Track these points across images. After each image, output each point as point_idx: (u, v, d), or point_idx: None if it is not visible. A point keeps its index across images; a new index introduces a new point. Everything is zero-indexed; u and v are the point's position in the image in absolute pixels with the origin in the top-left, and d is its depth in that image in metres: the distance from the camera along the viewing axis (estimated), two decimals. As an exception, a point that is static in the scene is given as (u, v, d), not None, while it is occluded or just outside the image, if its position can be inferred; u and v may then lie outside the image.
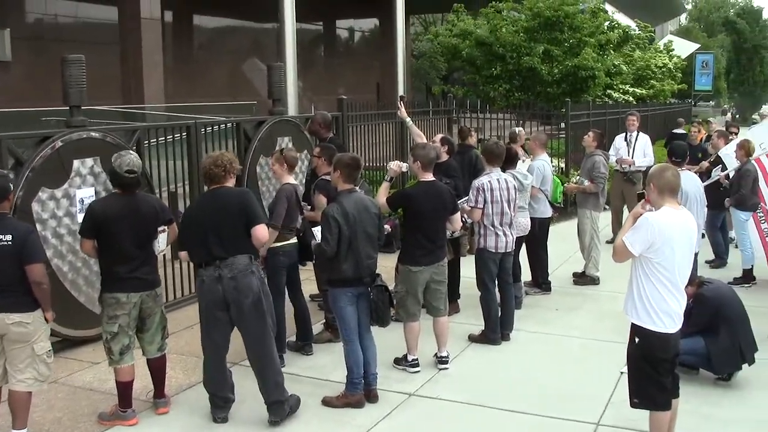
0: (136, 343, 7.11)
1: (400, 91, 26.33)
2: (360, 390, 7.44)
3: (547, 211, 11.17)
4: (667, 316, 5.87)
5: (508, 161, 10.00)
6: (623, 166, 14.66)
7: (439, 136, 10.65)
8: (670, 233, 5.78)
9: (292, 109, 21.74)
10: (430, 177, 8.22)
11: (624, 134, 15.17)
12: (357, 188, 7.58)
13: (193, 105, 24.17)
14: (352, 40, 43.29)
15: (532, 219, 10.73)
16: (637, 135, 15.05)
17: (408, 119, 11.94)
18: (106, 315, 6.86)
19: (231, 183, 6.97)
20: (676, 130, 22.69)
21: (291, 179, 8.56)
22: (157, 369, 7.28)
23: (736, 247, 12.65)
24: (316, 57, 39.01)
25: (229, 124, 11.75)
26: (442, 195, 8.20)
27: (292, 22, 22.86)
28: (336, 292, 7.33)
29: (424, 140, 10.87)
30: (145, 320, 7.04)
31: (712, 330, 7.85)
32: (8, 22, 22.67)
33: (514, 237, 9.37)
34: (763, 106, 76.05)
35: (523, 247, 10.90)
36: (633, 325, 6.00)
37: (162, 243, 7.13)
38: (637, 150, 14.82)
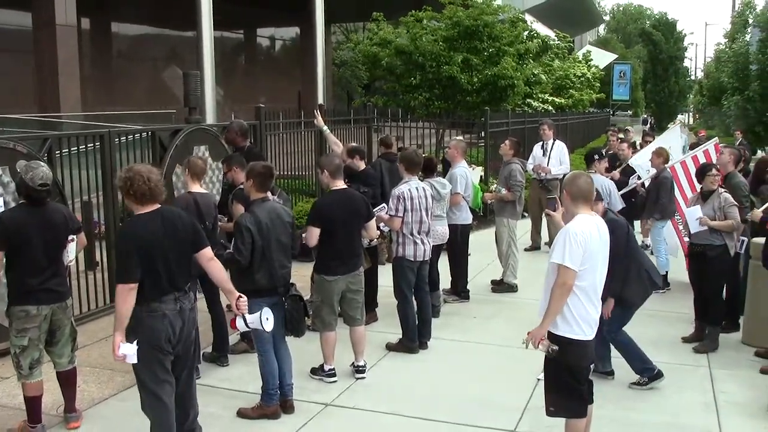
0: (45, 358, 6.93)
1: (320, 100, 26.23)
2: (276, 401, 7.38)
3: (468, 218, 11.22)
4: (586, 323, 5.91)
5: (427, 170, 10.03)
6: (540, 174, 14.83)
7: (344, 149, 10.58)
8: (591, 240, 5.83)
9: (210, 118, 21.51)
10: (341, 185, 8.17)
11: (541, 143, 15.35)
12: (271, 197, 7.52)
13: (113, 113, 23.75)
14: (274, 48, 43.09)
15: (454, 225, 10.78)
16: (553, 143, 15.23)
17: (325, 128, 11.91)
18: (15, 328, 6.67)
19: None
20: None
21: (196, 188, 8.43)
22: (68, 382, 7.10)
23: (652, 254, 12.84)
24: (238, 65, 38.75)
25: (144, 133, 11.57)
26: (356, 203, 8.15)
27: (210, 29, 22.61)
28: (250, 303, 7.25)
29: (341, 148, 10.84)
30: (55, 332, 6.87)
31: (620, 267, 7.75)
32: None
33: (431, 245, 9.38)
34: (679, 116, 77.79)
35: (443, 255, 10.90)
36: (550, 334, 5.98)
37: (71, 252, 6.99)
38: (553, 158, 15.01)
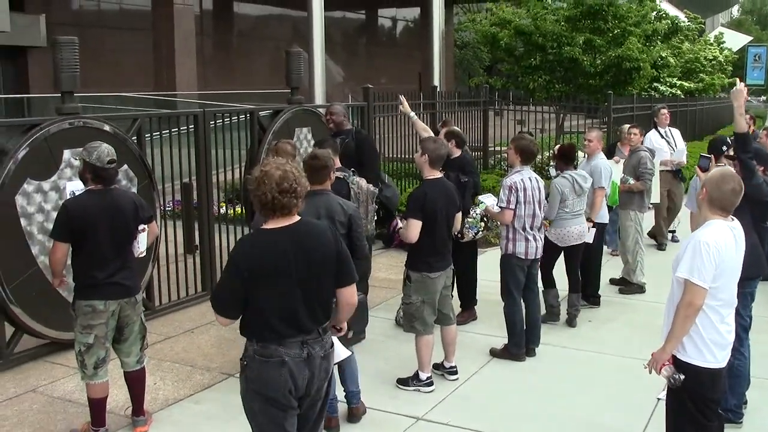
0: (112, 355, 6.40)
1: (436, 82, 25.55)
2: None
3: (605, 216, 10.19)
4: (719, 348, 4.97)
5: (567, 159, 9.25)
6: (671, 165, 13.55)
7: (444, 130, 9.74)
8: (725, 253, 4.88)
9: (319, 99, 21.08)
10: (437, 174, 7.37)
11: (657, 130, 14.07)
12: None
13: (230, 93, 23.68)
14: (395, 29, 42.60)
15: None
16: (670, 130, 14.13)
17: (412, 114, 10.91)
18: (80, 325, 6.14)
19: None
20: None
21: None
22: (136, 383, 6.55)
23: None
24: (359, 46, 38.39)
25: (243, 114, 11.04)
26: (453, 192, 7.44)
27: (320, 9, 22.33)
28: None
29: (430, 134, 10.01)
30: (123, 330, 6.32)
31: None
32: (45, 8, 22.14)
33: (542, 242, 8.47)
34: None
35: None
36: (676, 360, 5.01)
37: (142, 244, 6.40)
38: (678, 146, 13.90)
